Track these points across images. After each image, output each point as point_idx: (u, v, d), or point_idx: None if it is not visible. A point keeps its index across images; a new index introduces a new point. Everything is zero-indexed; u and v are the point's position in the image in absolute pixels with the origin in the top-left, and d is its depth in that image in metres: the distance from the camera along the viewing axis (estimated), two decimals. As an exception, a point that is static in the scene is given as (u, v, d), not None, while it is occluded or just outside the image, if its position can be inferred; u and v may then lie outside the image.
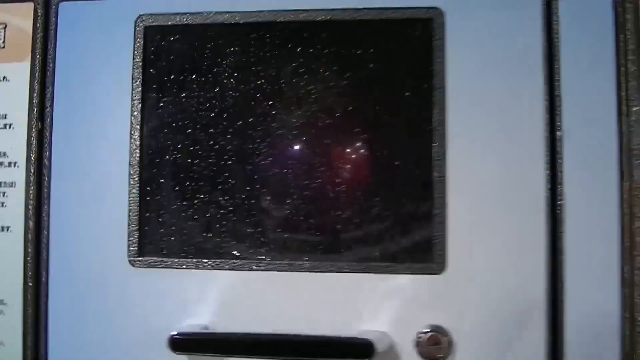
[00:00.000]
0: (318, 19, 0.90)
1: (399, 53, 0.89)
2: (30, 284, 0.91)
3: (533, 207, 0.85)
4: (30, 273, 0.91)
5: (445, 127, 0.87)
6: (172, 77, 0.92)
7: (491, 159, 0.86)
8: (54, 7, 0.95)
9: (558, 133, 0.85)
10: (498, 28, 0.87)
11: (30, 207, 0.92)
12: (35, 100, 0.94)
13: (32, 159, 0.93)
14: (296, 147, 0.89)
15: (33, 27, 0.95)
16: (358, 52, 0.89)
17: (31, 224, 0.92)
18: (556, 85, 0.86)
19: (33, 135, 0.93)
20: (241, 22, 0.91)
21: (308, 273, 0.88)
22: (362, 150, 0.89)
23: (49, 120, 0.94)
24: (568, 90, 0.86)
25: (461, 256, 0.86)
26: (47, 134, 0.94)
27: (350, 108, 0.89)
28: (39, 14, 0.95)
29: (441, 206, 0.86)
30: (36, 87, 0.94)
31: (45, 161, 0.93)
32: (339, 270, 0.87)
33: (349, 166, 0.89)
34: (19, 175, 0.91)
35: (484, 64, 0.87)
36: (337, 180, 0.89)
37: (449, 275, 0.86)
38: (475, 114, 0.87)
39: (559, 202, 0.84)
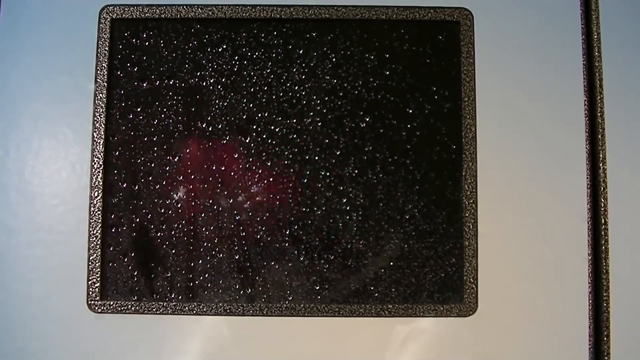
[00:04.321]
0: (324, 16, 0.76)
1: (421, 58, 0.77)
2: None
3: (575, 237, 0.75)
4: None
5: (476, 146, 0.75)
6: (145, 83, 0.77)
7: (527, 180, 0.76)
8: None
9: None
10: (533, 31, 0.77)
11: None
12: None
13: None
14: (300, 167, 0.75)
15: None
16: (372, 57, 0.76)
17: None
18: (598, 89, 0.76)
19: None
20: (231, 17, 0.77)
21: (312, 318, 0.74)
22: (378, 172, 0.75)
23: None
24: (610, 96, 0.77)
25: (494, 295, 0.74)
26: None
27: (364, 125, 0.76)
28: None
29: (472, 236, 0.74)
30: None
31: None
32: (351, 313, 0.74)
33: (360, 190, 0.75)
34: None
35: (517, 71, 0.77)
36: (347, 208, 0.75)
37: (480, 317, 0.74)
38: (508, 129, 0.76)
39: (603, 239, 0.74)
